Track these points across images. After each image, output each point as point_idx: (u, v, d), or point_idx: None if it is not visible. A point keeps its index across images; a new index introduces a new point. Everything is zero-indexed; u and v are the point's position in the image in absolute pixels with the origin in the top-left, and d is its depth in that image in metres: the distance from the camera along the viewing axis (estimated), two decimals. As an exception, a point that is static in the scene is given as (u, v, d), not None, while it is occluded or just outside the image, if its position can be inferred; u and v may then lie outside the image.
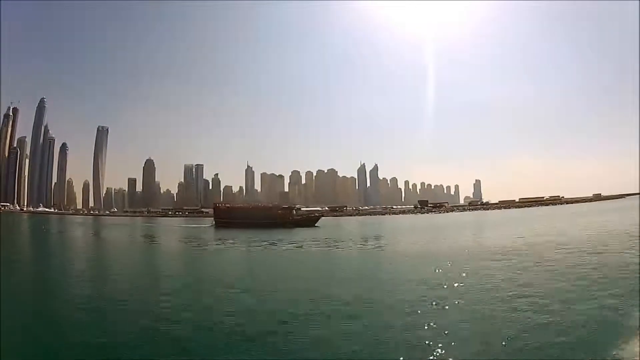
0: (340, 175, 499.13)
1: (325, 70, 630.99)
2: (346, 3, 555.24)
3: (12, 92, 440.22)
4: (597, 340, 11.02)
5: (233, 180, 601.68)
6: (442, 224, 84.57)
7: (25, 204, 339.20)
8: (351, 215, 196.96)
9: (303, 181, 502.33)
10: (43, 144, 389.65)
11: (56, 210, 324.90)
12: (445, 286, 18.19)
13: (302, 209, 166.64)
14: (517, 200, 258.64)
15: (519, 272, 21.35)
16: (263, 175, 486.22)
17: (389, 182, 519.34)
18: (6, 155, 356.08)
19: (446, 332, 11.99)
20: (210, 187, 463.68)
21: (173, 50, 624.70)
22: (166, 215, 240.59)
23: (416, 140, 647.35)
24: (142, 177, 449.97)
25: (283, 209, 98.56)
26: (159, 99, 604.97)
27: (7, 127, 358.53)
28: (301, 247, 40.71)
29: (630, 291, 15.89)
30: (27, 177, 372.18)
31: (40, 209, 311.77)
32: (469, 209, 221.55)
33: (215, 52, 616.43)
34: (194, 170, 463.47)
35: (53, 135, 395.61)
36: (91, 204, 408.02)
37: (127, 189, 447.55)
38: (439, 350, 10.71)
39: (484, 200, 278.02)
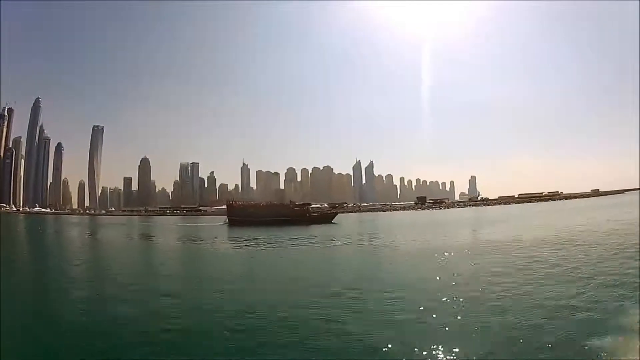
0: (336, 173, 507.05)
1: (322, 69, 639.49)
2: (345, 3, 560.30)
3: (7, 92, 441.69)
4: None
5: (229, 178, 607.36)
6: (448, 221, 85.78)
7: (21, 204, 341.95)
8: (352, 212, 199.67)
9: (299, 178, 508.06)
10: (38, 144, 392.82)
11: (53, 210, 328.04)
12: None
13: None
14: (516, 196, 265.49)
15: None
16: (259, 172, 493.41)
17: (384, 179, 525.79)
18: (1, 155, 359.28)
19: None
20: (206, 186, 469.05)
21: (170, 50, 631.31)
22: (164, 214, 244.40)
23: (413, 138, 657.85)
24: (137, 176, 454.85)
25: (299, 206, 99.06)
26: (154, 98, 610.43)
27: (3, 127, 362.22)
28: (330, 243, 41.44)
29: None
30: (22, 177, 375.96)
31: (37, 209, 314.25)
32: (469, 205, 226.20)
33: (212, 52, 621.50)
34: (189, 168, 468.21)
35: (48, 135, 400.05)
36: (87, 203, 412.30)
37: (122, 188, 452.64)
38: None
39: (483, 196, 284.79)
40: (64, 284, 21.32)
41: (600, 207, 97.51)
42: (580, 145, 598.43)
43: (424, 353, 10.47)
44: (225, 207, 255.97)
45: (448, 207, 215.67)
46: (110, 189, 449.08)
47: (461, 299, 15.25)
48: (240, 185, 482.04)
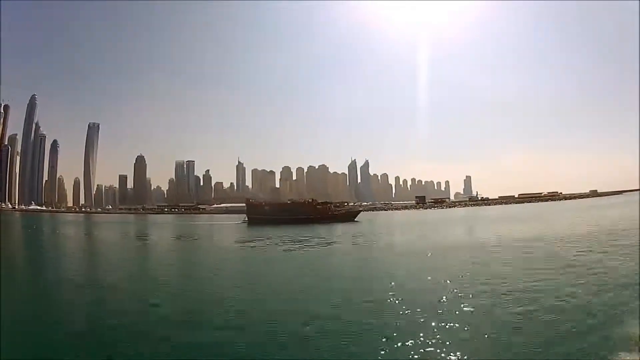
0: (331, 172, 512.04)
1: (318, 68, 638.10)
2: (340, 2, 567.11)
3: (3, 88, 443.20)
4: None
5: (224, 176, 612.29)
6: (459, 219, 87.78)
7: (17, 202, 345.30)
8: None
9: (294, 177, 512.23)
10: (34, 141, 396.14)
11: (50, 208, 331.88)
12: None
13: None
14: (516, 196, 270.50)
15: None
16: (254, 171, 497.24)
17: (379, 178, 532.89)
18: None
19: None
20: (202, 184, 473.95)
21: (165, 48, 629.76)
22: (162, 212, 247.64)
23: (409, 137, 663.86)
24: (133, 174, 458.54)
25: (321, 205, 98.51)
26: (149, 96, 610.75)
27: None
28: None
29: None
30: (18, 174, 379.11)
31: (32, 207, 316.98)
32: (470, 205, 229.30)
33: (207, 50, 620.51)
34: (185, 166, 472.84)
35: (44, 132, 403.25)
36: (82, 201, 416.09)
37: (118, 186, 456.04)
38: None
39: (484, 196, 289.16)
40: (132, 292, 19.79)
41: (612, 205, 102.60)
42: (577, 146, 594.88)
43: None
44: (223, 205, 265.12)
45: (449, 207, 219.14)
46: (105, 186, 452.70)
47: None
48: (235, 184, 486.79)
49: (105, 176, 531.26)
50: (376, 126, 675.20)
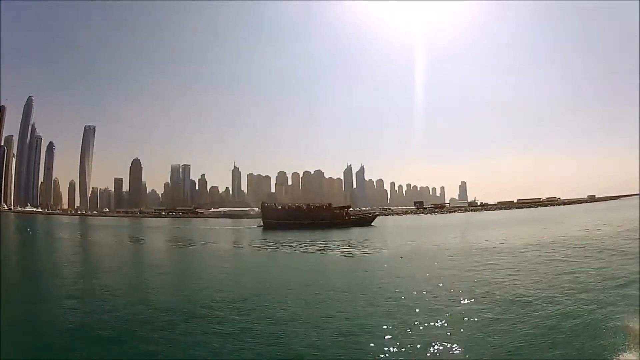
0: (327, 177, 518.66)
1: (314, 70, 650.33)
2: (335, 3, 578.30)
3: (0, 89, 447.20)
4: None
5: (219, 181, 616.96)
6: (475, 223, 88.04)
7: (12, 203, 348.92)
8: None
9: (289, 182, 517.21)
10: (30, 143, 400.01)
11: (46, 210, 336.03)
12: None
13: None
14: (515, 201, 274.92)
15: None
16: (249, 176, 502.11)
17: (374, 183, 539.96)
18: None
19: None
20: (197, 188, 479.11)
21: (162, 50, 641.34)
22: (159, 216, 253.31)
23: (404, 143, 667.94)
24: (128, 177, 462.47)
25: (339, 209, 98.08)
26: (146, 99, 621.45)
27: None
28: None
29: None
30: (14, 176, 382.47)
31: (28, 208, 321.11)
32: (470, 210, 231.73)
33: (203, 53, 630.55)
34: (180, 170, 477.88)
35: (40, 134, 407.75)
36: (77, 203, 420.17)
37: (113, 189, 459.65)
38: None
39: (481, 202, 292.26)
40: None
41: (617, 208, 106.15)
42: (573, 151, 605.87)
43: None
44: (220, 209, 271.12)
45: (449, 212, 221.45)
46: (100, 189, 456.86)
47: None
48: (231, 188, 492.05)
49: (101, 179, 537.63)
50: (372, 130, 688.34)
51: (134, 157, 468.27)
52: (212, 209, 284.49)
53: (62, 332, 13.16)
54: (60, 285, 21.44)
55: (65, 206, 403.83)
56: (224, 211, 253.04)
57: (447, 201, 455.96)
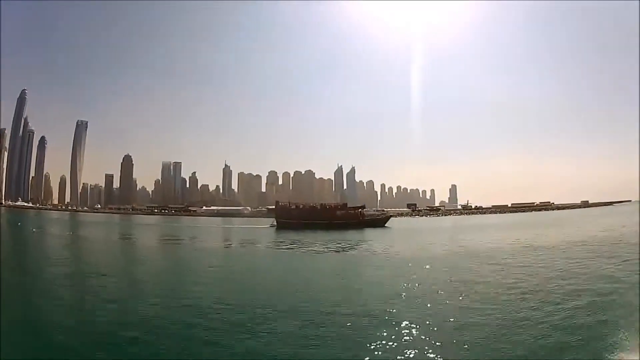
0: (318, 177, 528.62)
1: (305, 72, 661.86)
2: (329, 2, 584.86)
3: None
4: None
5: (210, 179, 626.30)
6: (485, 226, 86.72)
7: (3, 197, 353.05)
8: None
9: (280, 182, 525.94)
10: (22, 137, 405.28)
11: (38, 205, 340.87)
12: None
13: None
14: (509, 205, 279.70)
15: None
16: (240, 174, 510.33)
17: (365, 185, 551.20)
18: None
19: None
20: (188, 186, 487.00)
21: (156, 48, 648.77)
22: (152, 213, 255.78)
23: (396, 142, 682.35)
24: (119, 173, 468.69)
25: (354, 209, 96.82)
26: (139, 96, 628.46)
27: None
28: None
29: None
30: (5, 170, 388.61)
31: (20, 203, 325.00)
32: (465, 213, 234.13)
33: (197, 51, 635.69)
34: (171, 167, 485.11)
35: (33, 128, 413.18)
36: (67, 199, 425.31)
37: (104, 185, 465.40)
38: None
39: (473, 205, 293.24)
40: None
41: (620, 213, 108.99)
42: (566, 156, 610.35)
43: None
44: (213, 208, 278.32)
45: (445, 215, 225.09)
46: (91, 185, 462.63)
47: None
48: (221, 187, 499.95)
49: (92, 175, 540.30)
50: (364, 132, 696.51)
51: (126, 154, 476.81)
52: (205, 208, 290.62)
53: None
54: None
55: (56, 201, 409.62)
56: (217, 210, 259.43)
57: (437, 204, 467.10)
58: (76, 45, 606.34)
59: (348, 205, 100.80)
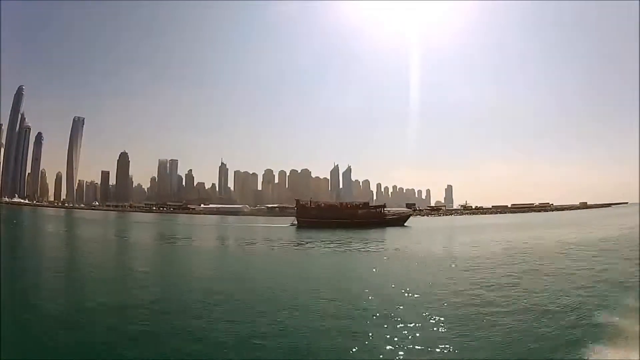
0: (314, 176, 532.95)
1: (302, 70, 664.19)
2: (325, 3, 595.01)
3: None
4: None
5: (206, 176, 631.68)
6: (500, 225, 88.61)
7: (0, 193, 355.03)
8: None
9: (276, 180, 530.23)
10: (19, 132, 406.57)
11: (35, 201, 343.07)
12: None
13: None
14: (509, 206, 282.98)
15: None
16: (236, 172, 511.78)
17: (361, 184, 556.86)
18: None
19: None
20: (184, 183, 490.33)
21: (152, 46, 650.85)
22: (150, 211, 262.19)
23: (392, 144, 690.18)
24: (115, 170, 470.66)
25: (375, 208, 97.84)
26: (135, 93, 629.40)
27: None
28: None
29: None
30: (1, 165, 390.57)
31: (16, 199, 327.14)
32: (466, 213, 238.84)
33: (193, 50, 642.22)
34: (168, 165, 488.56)
35: (29, 124, 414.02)
36: (63, 196, 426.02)
37: (99, 182, 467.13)
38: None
39: (471, 205, 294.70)
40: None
41: (625, 214, 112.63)
42: (561, 158, 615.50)
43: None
44: (212, 206, 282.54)
45: (445, 215, 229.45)
46: (87, 182, 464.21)
47: None
48: (217, 185, 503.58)
49: (88, 171, 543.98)
50: (360, 131, 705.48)
51: (122, 151, 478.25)
52: (203, 205, 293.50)
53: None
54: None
55: (52, 198, 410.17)
56: (217, 208, 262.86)
57: (432, 204, 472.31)
58: (73, 42, 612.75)
59: (369, 205, 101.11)
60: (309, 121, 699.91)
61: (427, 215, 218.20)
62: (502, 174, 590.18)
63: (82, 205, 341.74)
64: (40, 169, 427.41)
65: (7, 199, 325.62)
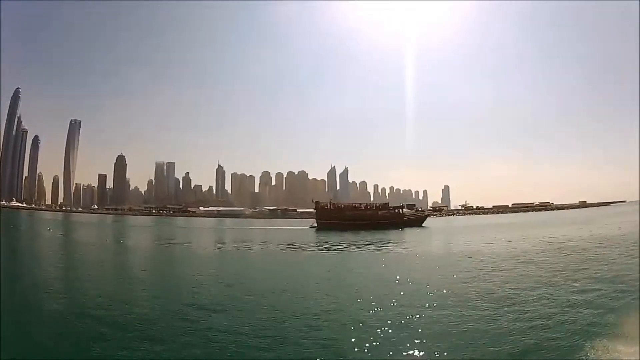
0: (311, 178, 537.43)
1: (300, 72, 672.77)
2: (324, 3, 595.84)
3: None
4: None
5: (203, 179, 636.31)
6: (514, 225, 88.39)
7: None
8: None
9: (273, 182, 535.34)
10: (16, 136, 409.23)
11: (32, 205, 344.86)
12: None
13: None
14: (509, 205, 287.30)
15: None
16: (234, 175, 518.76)
17: (358, 185, 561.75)
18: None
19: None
20: (181, 186, 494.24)
21: (149, 47, 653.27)
22: (150, 214, 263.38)
23: (389, 145, 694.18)
24: (113, 173, 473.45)
25: (395, 209, 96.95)
26: (132, 95, 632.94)
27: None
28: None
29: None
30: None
31: (14, 203, 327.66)
32: (468, 214, 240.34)
33: (190, 52, 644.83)
34: (165, 168, 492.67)
35: (26, 127, 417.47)
36: (60, 199, 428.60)
37: (97, 186, 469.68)
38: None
39: (472, 206, 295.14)
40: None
41: (627, 213, 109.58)
42: (560, 157, 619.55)
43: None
44: (212, 208, 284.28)
45: (447, 215, 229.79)
46: (84, 185, 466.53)
47: None
48: (214, 187, 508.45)
49: (85, 175, 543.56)
50: (357, 132, 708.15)
51: (119, 154, 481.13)
52: (202, 208, 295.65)
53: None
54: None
55: (49, 202, 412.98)
56: (218, 210, 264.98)
57: (429, 205, 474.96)
58: (70, 44, 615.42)
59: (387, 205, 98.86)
60: (306, 122, 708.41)
61: (430, 216, 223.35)
62: (500, 174, 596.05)
63: (80, 209, 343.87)
64: (37, 172, 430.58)
65: (4, 202, 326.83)
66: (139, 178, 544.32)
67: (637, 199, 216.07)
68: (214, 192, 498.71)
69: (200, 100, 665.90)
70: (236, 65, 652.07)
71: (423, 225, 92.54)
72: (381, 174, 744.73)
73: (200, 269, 29.36)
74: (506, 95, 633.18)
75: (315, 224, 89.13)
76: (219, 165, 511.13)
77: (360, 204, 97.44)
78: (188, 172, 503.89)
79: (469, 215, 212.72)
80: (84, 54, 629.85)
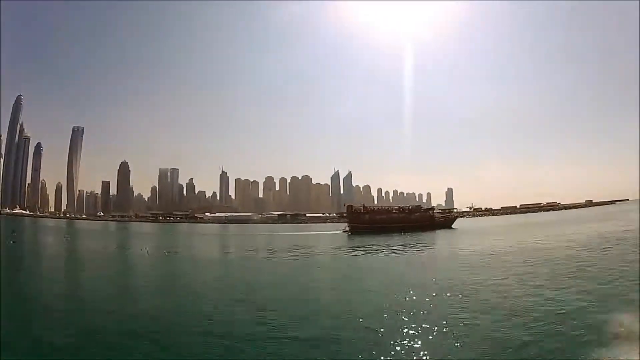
0: (314, 182, 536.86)
1: (303, 78, 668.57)
2: (322, 4, 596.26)
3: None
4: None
5: (207, 185, 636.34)
6: (535, 224, 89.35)
7: (0, 205, 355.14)
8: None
9: (277, 187, 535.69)
10: (18, 143, 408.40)
11: (37, 212, 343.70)
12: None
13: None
14: (518, 206, 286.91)
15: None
16: (237, 180, 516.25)
17: (361, 189, 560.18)
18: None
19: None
20: (185, 192, 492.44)
21: (152, 54, 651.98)
22: (156, 221, 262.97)
23: (392, 148, 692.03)
24: (116, 180, 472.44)
25: (427, 211, 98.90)
26: (135, 102, 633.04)
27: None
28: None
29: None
30: (1, 176, 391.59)
31: (18, 210, 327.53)
32: (477, 215, 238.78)
33: (193, 57, 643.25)
34: (169, 174, 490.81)
35: (28, 134, 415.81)
36: (63, 206, 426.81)
37: (100, 192, 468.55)
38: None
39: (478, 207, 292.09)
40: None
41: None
42: (568, 156, 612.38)
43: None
44: (221, 214, 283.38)
45: (457, 217, 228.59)
46: (87, 192, 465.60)
47: None
48: (218, 193, 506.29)
49: (88, 181, 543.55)
50: (360, 137, 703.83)
51: (122, 160, 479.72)
52: (209, 214, 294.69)
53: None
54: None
55: (52, 209, 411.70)
56: (225, 216, 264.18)
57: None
58: (72, 52, 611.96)
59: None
60: (309, 127, 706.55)
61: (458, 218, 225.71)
62: (504, 175, 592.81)
63: (84, 216, 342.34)
64: (40, 179, 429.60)
65: (8, 210, 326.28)
66: (142, 184, 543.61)
67: (638, 198, 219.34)
68: (218, 197, 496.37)
69: (203, 106, 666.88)
70: (238, 72, 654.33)
71: (453, 226, 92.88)
72: (384, 177, 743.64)
73: (283, 279, 29.02)
74: (506, 95, 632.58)
75: (348, 228, 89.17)
76: (223, 171, 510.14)
77: (392, 207, 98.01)
78: (192, 178, 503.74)
79: (478, 217, 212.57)
80: (86, 61, 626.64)
